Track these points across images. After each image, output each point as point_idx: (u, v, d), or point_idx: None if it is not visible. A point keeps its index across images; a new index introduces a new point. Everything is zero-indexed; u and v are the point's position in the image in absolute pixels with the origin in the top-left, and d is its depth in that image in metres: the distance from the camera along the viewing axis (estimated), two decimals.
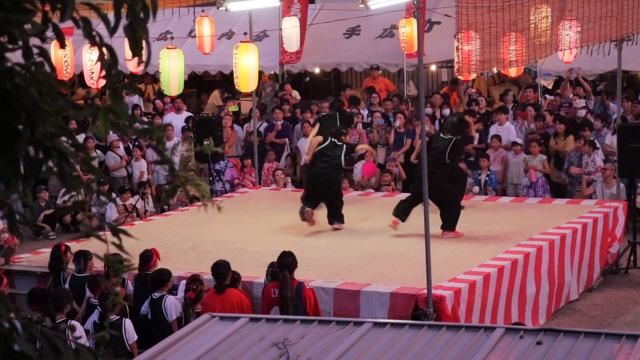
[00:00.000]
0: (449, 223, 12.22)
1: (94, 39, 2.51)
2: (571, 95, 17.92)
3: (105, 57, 2.52)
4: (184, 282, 10.18)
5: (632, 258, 13.44)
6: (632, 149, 13.30)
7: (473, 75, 17.37)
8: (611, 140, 15.98)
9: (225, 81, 22.59)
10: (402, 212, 12.33)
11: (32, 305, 9.41)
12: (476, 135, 15.62)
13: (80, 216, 16.13)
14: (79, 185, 2.52)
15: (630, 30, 13.67)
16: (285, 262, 9.61)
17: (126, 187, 16.92)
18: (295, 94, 20.60)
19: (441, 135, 12.51)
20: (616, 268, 13.44)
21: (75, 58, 18.55)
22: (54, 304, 9.17)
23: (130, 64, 14.73)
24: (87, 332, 9.11)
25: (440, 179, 12.07)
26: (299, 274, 9.79)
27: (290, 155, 18.13)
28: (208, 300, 9.66)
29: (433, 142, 12.37)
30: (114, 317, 9.03)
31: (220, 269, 9.79)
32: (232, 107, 19.78)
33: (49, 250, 11.61)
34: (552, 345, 5.93)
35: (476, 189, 16.05)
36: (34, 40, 2.55)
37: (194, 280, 10.01)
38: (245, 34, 15.86)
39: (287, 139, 18.38)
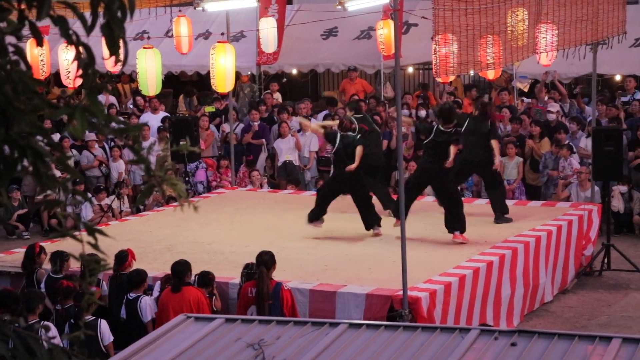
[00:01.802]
0: (457, 223, 12.06)
1: (70, 38, 2.50)
2: (546, 99, 18.02)
3: (82, 56, 2.51)
4: (158, 282, 10.16)
5: (605, 260, 13.52)
6: (606, 152, 13.38)
7: (451, 78, 17.42)
8: (586, 143, 16.08)
9: (201, 83, 22.52)
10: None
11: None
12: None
13: (54, 222, 16.00)
14: (55, 184, 2.50)
15: (606, 33, 13.76)
16: (263, 259, 9.64)
17: (101, 187, 16.86)
18: (278, 96, 20.57)
19: (440, 127, 12.05)
20: (590, 270, 13.52)
21: (51, 57, 18.45)
22: (26, 305, 9.09)
23: (107, 63, 14.70)
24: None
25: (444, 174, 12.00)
26: (274, 275, 9.79)
27: (269, 156, 18.13)
28: (164, 298, 9.68)
29: (429, 135, 12.14)
30: (89, 318, 8.99)
31: (179, 267, 9.81)
32: (208, 108, 19.73)
33: (22, 250, 11.54)
34: (526, 346, 5.96)
35: None
36: (10, 39, 2.54)
37: (169, 279, 9.99)
38: (222, 34, 15.83)
39: (264, 140, 18.37)
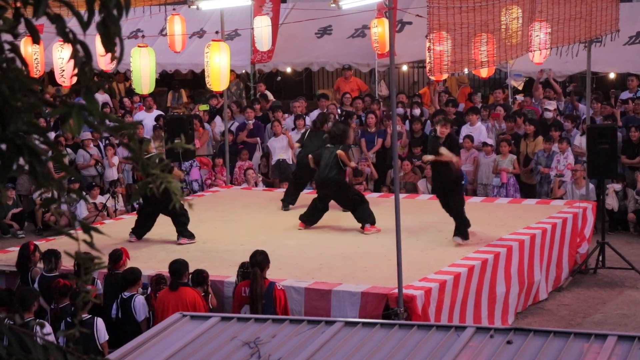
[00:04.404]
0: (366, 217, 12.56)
1: (67, 36, 2.49)
2: (542, 97, 18.04)
3: (80, 54, 2.50)
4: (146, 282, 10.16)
5: (600, 258, 13.54)
6: (601, 150, 13.39)
7: (445, 76, 17.43)
8: (580, 141, 16.10)
9: (195, 81, 22.50)
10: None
11: None
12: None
13: (48, 215, 15.95)
14: (51, 183, 2.50)
15: (599, 31, 13.77)
16: (257, 260, 9.63)
17: (93, 184, 16.82)
18: (268, 94, 20.56)
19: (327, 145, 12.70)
20: (585, 268, 13.53)
21: (45, 55, 18.39)
22: (21, 304, 9.08)
23: (102, 62, 14.66)
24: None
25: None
26: (269, 273, 9.79)
27: (264, 155, 18.12)
28: (162, 297, 9.67)
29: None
30: (85, 316, 8.98)
31: (177, 266, 9.80)
32: (202, 106, 19.72)
33: (17, 249, 11.52)
34: (522, 344, 5.97)
35: None
36: (5, 36, 2.53)
37: (160, 280, 9.99)
38: (216, 32, 15.80)
39: (258, 138, 18.36)
